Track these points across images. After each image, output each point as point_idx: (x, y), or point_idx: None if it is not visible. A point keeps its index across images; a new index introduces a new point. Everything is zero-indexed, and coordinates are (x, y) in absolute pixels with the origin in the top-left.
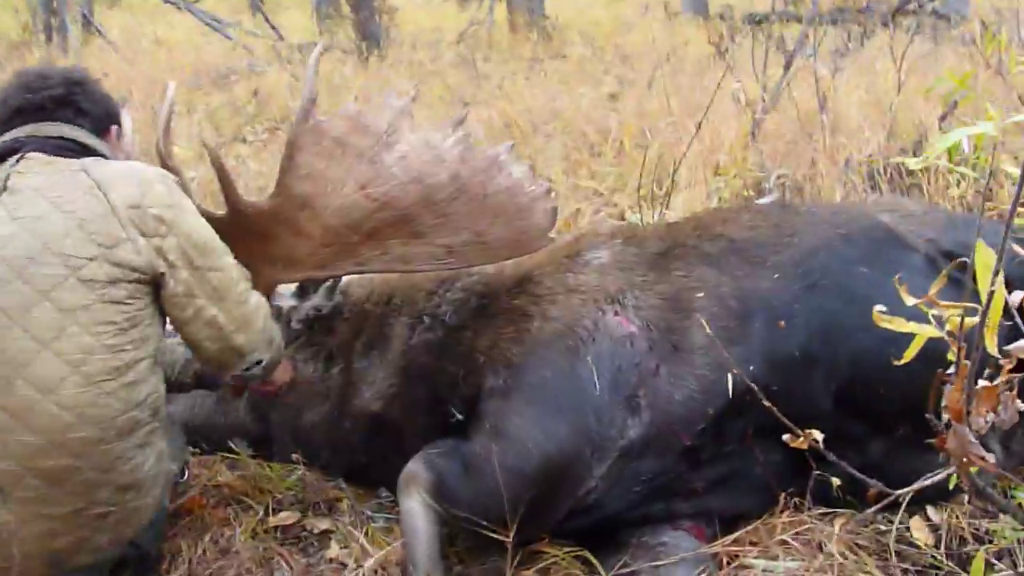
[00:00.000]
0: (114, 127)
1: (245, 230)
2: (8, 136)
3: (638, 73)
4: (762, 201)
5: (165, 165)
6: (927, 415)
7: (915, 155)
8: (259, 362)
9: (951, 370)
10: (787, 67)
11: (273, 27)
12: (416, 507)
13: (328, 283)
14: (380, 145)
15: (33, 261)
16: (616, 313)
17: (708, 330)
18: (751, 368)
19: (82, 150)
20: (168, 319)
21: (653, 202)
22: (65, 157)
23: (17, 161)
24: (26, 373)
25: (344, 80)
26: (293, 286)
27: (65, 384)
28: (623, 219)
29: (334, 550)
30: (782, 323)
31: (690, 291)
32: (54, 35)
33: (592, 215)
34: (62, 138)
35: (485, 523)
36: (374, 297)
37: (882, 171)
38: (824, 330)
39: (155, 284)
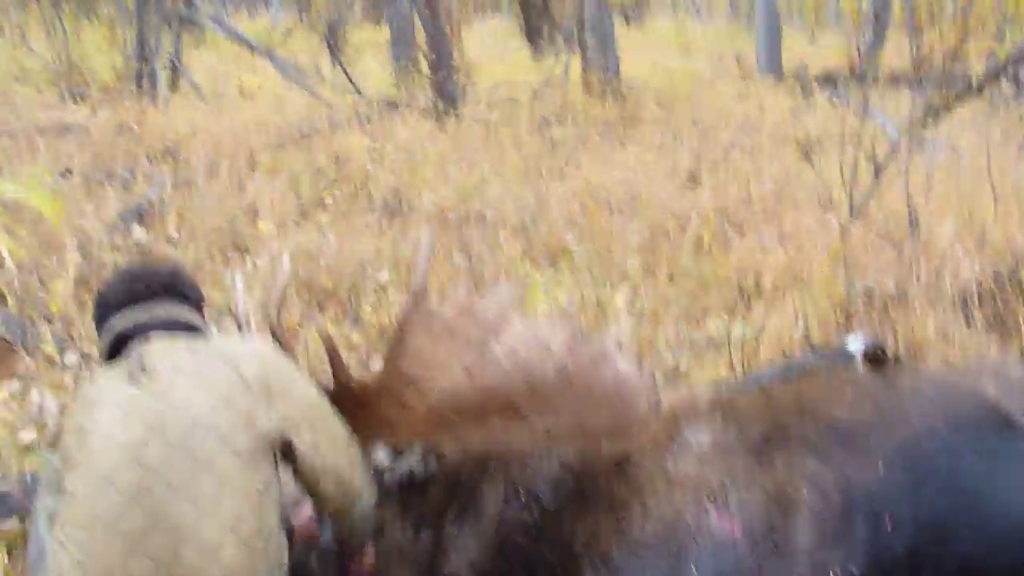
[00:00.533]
0: (203, 306)
1: (351, 401)
2: (124, 320)
3: (714, 146)
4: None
5: (276, 336)
6: None
7: (1011, 280)
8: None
9: None
10: (877, 173)
11: (352, 82)
12: None
13: (424, 447)
14: (489, 334)
15: (190, 438)
16: (719, 513)
17: (810, 531)
18: (853, 571)
19: (190, 330)
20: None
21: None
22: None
23: (141, 343)
24: (192, 542)
25: (422, 146)
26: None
27: (224, 549)
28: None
29: None
30: (887, 521)
31: (793, 486)
32: (144, 82)
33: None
34: (175, 320)
35: None
36: (468, 464)
37: (976, 299)
38: (932, 530)
39: (280, 450)
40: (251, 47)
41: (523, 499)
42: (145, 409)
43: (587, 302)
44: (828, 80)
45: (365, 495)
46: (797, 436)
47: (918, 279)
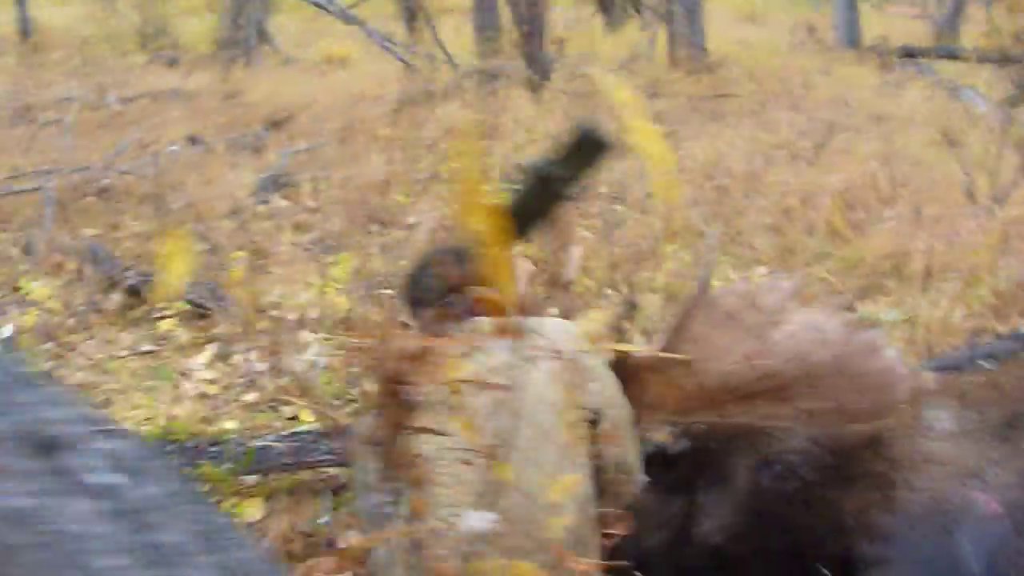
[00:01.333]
0: None
1: (621, 374)
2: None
3: (817, 123)
4: None
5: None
6: None
7: None
8: None
9: None
10: None
11: (446, 52)
12: None
13: (680, 424)
14: (769, 322)
15: (533, 409)
16: (981, 492)
17: None
18: None
19: None
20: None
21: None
22: None
23: None
24: (542, 504)
25: (517, 112)
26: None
27: (567, 512)
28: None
29: None
30: None
31: None
32: (236, 48)
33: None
34: None
35: None
36: (716, 436)
37: None
38: None
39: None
40: (344, 17)
41: (778, 470)
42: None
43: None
44: (908, 54)
45: (637, 474)
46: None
47: None
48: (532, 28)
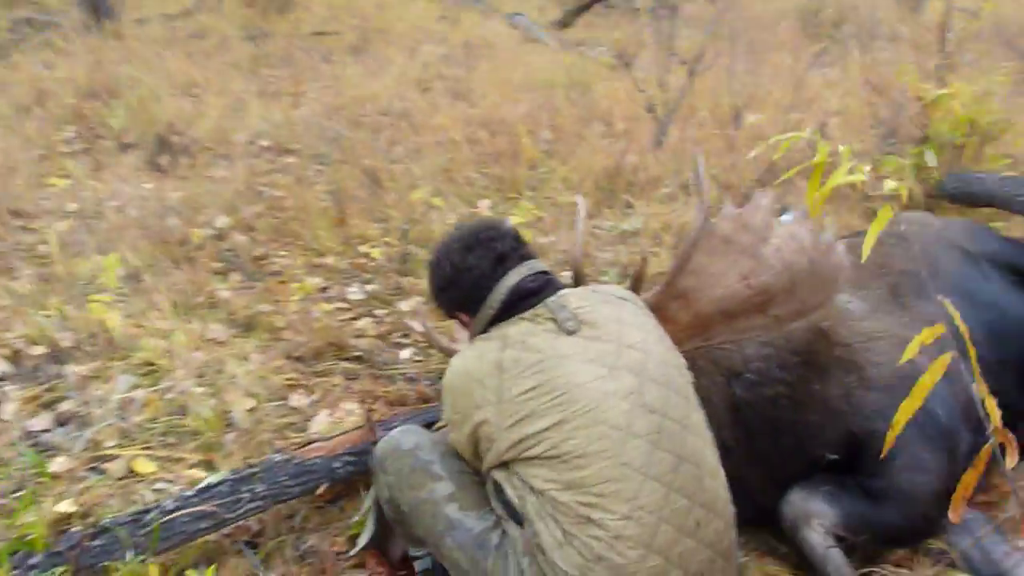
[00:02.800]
0: None
1: None
2: (518, 276)
3: (431, 57)
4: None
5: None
6: None
7: None
8: None
9: None
10: (691, 72)
11: None
12: (820, 538)
13: None
14: (759, 240)
15: (668, 375)
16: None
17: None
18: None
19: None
20: None
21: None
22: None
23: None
24: (705, 468)
25: None
26: None
27: (720, 473)
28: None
29: None
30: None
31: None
32: None
33: None
34: (546, 271)
35: (885, 544)
36: None
37: None
38: (988, 335)
39: None
40: None
41: (751, 379)
42: (614, 356)
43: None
44: None
45: None
46: (911, 287)
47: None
48: None
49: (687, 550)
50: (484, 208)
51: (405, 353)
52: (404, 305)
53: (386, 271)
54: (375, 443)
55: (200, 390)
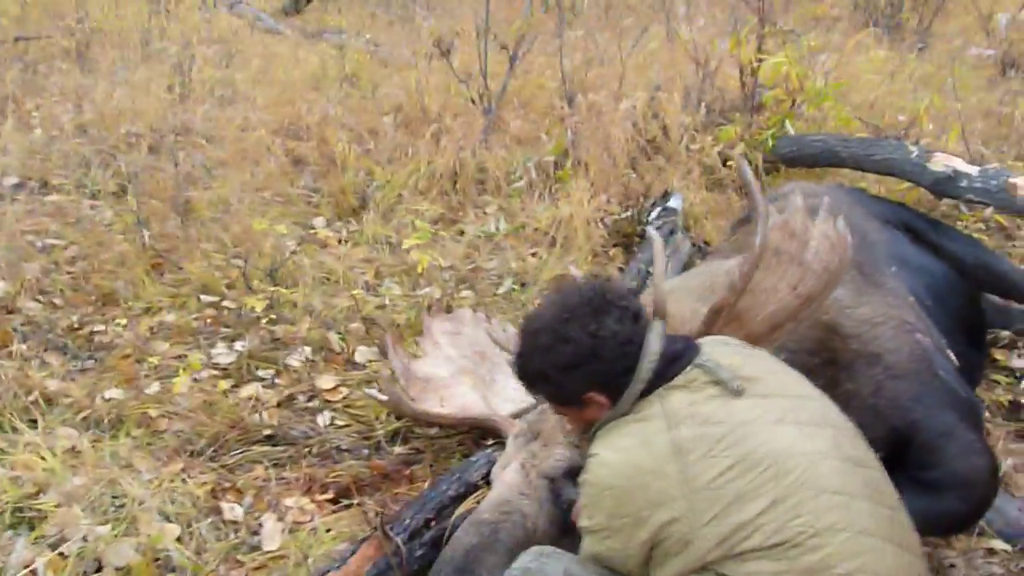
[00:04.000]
0: None
1: None
2: (659, 340)
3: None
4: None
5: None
6: None
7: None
8: None
9: None
10: (513, 58)
11: None
12: None
13: None
14: (801, 246)
15: (841, 423)
16: (913, 330)
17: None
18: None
19: None
20: None
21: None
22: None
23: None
24: (901, 510)
25: None
26: None
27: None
28: None
29: None
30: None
31: (907, 297)
32: None
33: None
34: None
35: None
36: None
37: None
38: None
39: None
40: None
41: None
42: (795, 411)
43: None
44: None
45: None
46: (868, 268)
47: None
48: None
49: None
50: (319, 226)
51: (323, 419)
52: (294, 360)
53: (248, 321)
54: (396, 552)
55: (104, 530)
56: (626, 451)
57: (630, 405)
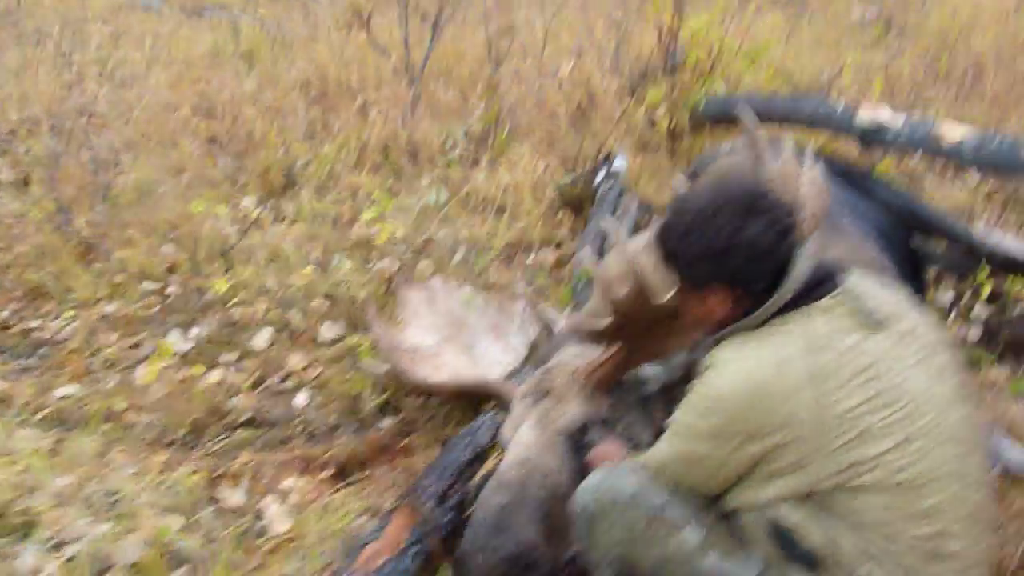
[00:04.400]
0: None
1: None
2: (812, 259)
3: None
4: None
5: None
6: None
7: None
8: None
9: None
10: (435, 26)
11: None
12: None
13: (683, 360)
14: (794, 191)
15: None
16: (883, 268)
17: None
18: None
19: None
20: None
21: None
22: None
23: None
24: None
25: None
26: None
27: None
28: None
29: None
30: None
31: (865, 240)
32: None
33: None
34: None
35: None
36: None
37: None
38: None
39: None
40: None
41: None
42: (930, 354)
43: None
44: None
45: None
46: (835, 217)
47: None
48: None
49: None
50: (249, 206)
51: (300, 399)
52: (258, 341)
53: (203, 305)
54: (423, 517)
55: (105, 528)
56: (759, 368)
57: (765, 319)
